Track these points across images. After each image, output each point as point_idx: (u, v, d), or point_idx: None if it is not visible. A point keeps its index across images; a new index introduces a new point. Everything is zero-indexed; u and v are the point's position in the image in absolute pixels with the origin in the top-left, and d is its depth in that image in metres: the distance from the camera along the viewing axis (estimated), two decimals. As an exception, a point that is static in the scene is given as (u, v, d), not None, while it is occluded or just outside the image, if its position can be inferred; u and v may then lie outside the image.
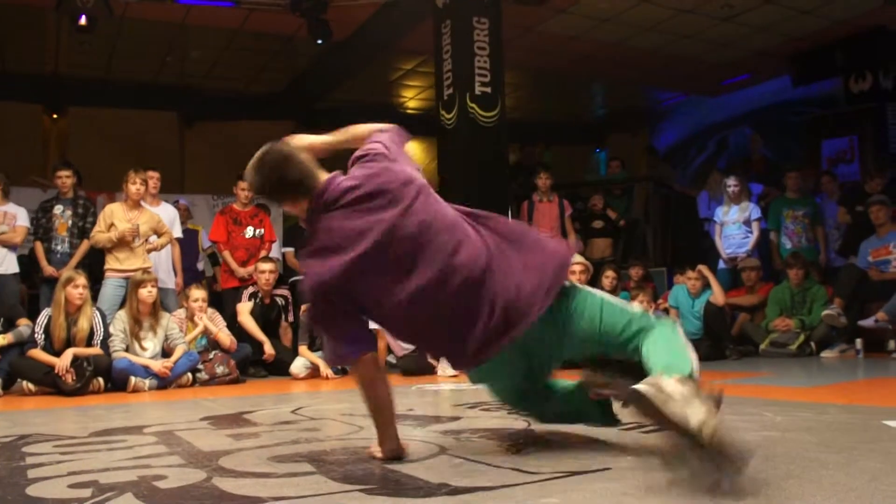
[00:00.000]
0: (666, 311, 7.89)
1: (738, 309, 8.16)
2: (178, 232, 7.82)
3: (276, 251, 8.61)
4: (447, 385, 5.80)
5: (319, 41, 9.17)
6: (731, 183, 8.70)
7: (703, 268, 7.73)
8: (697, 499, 1.90)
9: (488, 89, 8.38)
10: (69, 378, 5.65)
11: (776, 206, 8.91)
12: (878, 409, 3.21)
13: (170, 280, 7.56)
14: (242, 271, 7.80)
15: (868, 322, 6.99)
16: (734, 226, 8.60)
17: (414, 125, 12.51)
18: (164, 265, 7.48)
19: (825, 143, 11.42)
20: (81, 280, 6.03)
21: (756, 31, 10.13)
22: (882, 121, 10.69)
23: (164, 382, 6.04)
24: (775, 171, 10.33)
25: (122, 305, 6.49)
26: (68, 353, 5.74)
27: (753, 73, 11.80)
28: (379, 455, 2.50)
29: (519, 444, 2.69)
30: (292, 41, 10.03)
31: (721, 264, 8.60)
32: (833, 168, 10.54)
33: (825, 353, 7.29)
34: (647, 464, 2.32)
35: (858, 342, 7.17)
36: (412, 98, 12.76)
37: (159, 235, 7.24)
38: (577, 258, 7.41)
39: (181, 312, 6.89)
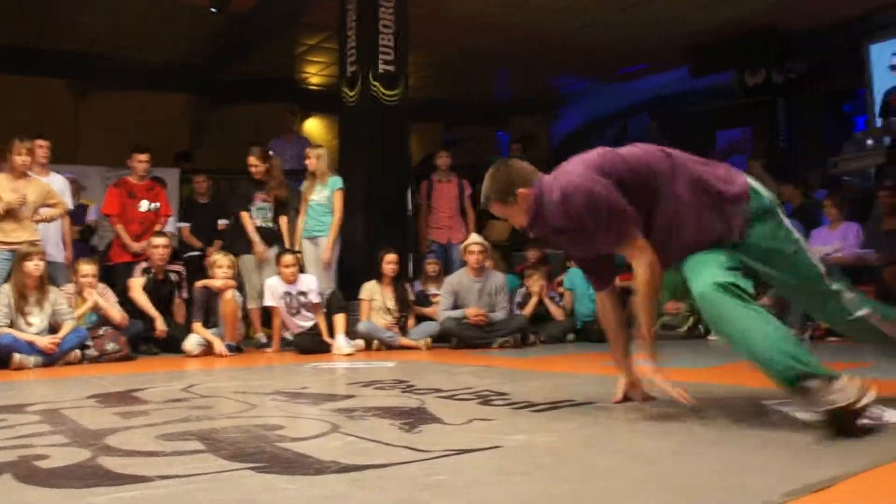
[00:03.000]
0: (561, 294, 8.03)
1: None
2: (68, 204, 7.55)
3: (171, 226, 8.41)
4: (342, 363, 5.80)
5: (214, 9, 8.93)
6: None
7: None
8: (582, 476, 1.95)
9: (392, 68, 8.36)
10: (-52, 354, 5.42)
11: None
12: (759, 390, 3.33)
13: (58, 254, 7.27)
14: (136, 246, 7.58)
15: (753, 307, 7.25)
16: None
17: (316, 102, 12.29)
18: (52, 238, 7.17)
19: (720, 133, 11.77)
20: (-37, 253, 5.79)
21: (655, 22, 10.35)
22: (773, 114, 11.09)
23: (50, 359, 5.83)
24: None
25: (7, 279, 6.24)
26: (-53, 328, 5.49)
27: (651, 64, 12.06)
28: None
29: (411, 422, 2.70)
30: (193, 10, 9.75)
31: (617, 249, 8.77)
32: (727, 158, 10.89)
33: (713, 336, 7.53)
34: (537, 442, 2.37)
35: (745, 326, 7.44)
36: (315, 74, 12.58)
37: (51, 206, 6.98)
38: (476, 238, 7.46)
39: (70, 287, 6.67)
